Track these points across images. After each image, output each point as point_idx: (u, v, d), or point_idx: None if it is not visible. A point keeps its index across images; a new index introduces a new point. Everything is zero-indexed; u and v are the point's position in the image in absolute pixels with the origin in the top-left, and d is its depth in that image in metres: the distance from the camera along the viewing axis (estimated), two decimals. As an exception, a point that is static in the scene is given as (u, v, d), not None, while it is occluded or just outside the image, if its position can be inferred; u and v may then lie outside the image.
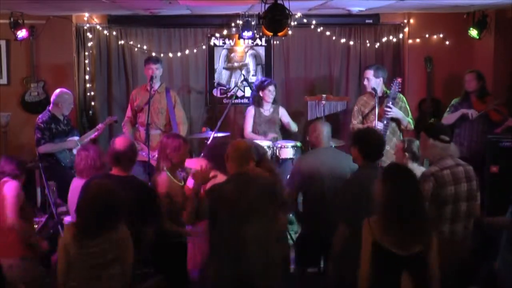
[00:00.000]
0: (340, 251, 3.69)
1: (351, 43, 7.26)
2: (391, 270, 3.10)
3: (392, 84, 5.47)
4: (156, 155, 5.65)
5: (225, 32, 7.23)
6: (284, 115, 6.51)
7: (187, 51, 7.22)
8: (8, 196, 4.05)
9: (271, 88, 6.35)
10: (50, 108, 5.74)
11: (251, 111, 6.51)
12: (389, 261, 3.09)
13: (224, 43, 7.32)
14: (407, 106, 5.67)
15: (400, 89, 5.51)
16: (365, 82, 5.69)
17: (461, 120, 5.96)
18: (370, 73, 5.63)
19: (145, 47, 7.19)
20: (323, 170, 4.36)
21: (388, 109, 5.40)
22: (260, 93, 6.38)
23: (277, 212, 3.63)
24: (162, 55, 7.00)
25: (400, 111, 5.53)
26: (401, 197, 3.10)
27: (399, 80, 5.51)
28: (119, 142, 3.93)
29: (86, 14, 6.96)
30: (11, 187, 4.10)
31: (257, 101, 6.42)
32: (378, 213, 3.15)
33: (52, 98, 5.76)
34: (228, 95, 7.22)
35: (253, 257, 3.45)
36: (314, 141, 4.60)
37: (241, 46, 7.33)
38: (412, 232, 3.08)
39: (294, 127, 6.53)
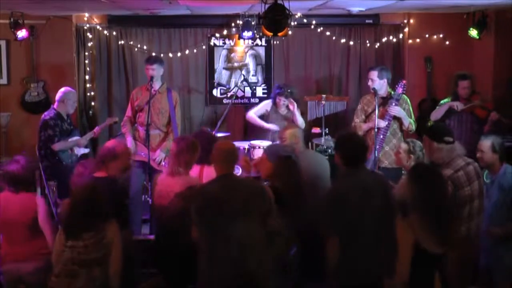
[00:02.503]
0: (336, 264, 3.66)
1: (351, 43, 7.26)
2: (428, 269, 3.12)
3: (397, 86, 5.48)
4: (157, 157, 5.71)
5: (225, 32, 7.24)
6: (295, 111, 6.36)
7: (187, 51, 7.22)
8: (41, 212, 4.06)
9: (282, 99, 6.23)
10: (55, 106, 5.74)
11: (269, 104, 6.41)
12: (427, 260, 3.11)
13: (224, 43, 7.32)
14: (411, 108, 5.68)
15: (405, 91, 5.52)
16: (369, 83, 5.67)
17: (449, 115, 5.99)
18: (374, 74, 5.62)
19: (145, 47, 7.19)
20: (318, 175, 4.44)
21: (392, 108, 5.43)
22: (277, 96, 6.29)
23: (266, 216, 3.57)
24: (162, 55, 7.00)
25: (403, 111, 5.55)
26: (437, 196, 3.13)
27: (404, 82, 5.52)
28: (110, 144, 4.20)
29: (86, 14, 6.96)
30: (42, 203, 4.10)
31: (275, 103, 6.36)
32: (413, 213, 3.14)
33: (58, 95, 5.76)
34: (228, 95, 7.22)
35: (239, 258, 3.42)
36: (295, 147, 4.58)
37: (241, 46, 7.33)
38: (447, 230, 3.11)
39: (301, 122, 6.28)
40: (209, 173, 4.27)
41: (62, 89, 5.79)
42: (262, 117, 6.43)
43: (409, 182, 3.21)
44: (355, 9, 6.56)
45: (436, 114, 6.02)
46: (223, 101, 7.30)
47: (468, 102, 5.96)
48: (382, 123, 5.45)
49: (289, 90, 6.26)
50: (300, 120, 6.28)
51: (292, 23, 6.42)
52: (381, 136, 5.46)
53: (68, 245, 3.40)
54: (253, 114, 6.43)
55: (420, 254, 3.09)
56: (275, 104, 6.36)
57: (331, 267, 3.63)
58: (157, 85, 6.00)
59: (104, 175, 4.03)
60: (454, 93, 6.05)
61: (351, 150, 3.68)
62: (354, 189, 3.53)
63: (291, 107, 6.23)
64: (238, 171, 5.30)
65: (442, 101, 6.17)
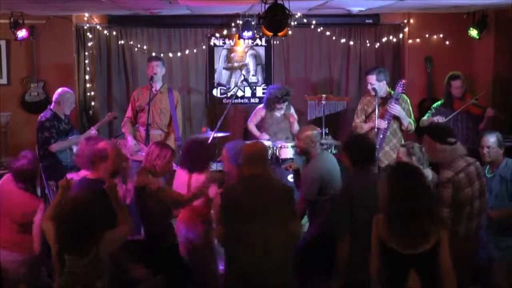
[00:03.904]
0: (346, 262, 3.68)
1: (351, 43, 7.26)
2: (397, 268, 3.09)
3: (396, 85, 5.48)
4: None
5: (225, 32, 7.24)
6: (292, 114, 6.35)
7: (187, 51, 7.22)
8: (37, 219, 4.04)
9: (285, 106, 6.25)
10: (52, 107, 5.71)
11: (262, 110, 6.39)
12: (395, 259, 3.08)
13: (224, 43, 7.32)
14: (410, 108, 5.69)
15: (404, 90, 5.52)
16: (369, 87, 5.68)
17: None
18: (372, 79, 5.62)
19: (145, 47, 7.19)
20: (335, 175, 4.52)
21: (392, 107, 5.44)
22: (276, 103, 6.24)
23: (289, 219, 3.59)
24: (162, 55, 7.00)
25: (403, 111, 5.55)
26: (403, 196, 3.04)
27: (404, 81, 5.53)
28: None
29: (86, 14, 6.96)
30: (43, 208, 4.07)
31: (271, 106, 6.29)
32: (382, 212, 3.13)
33: (54, 96, 5.74)
34: (228, 95, 7.22)
35: (258, 260, 3.45)
36: (312, 150, 4.60)
37: (241, 46, 7.33)
38: (417, 231, 3.04)
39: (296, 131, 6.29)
40: (197, 180, 4.28)
41: (59, 90, 5.76)
42: (259, 124, 6.44)
43: (383, 181, 3.16)
44: (355, 9, 6.56)
45: (423, 123, 5.99)
46: (223, 101, 7.30)
47: (462, 101, 5.97)
48: (383, 124, 5.45)
49: (286, 94, 6.22)
50: (295, 130, 6.26)
51: (292, 23, 6.42)
52: (381, 136, 5.47)
53: (65, 271, 3.19)
54: (252, 126, 6.43)
55: (388, 252, 3.08)
56: (270, 109, 6.32)
57: (341, 264, 3.65)
58: (158, 85, 6.02)
59: (92, 177, 3.89)
60: (447, 93, 6.06)
61: (360, 152, 3.78)
62: (360, 189, 3.57)
63: (292, 120, 6.28)
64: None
65: (434, 105, 6.18)
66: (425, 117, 6.13)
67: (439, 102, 6.15)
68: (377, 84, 5.60)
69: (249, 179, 3.63)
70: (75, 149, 5.73)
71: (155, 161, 4.08)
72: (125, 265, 3.78)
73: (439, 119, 5.89)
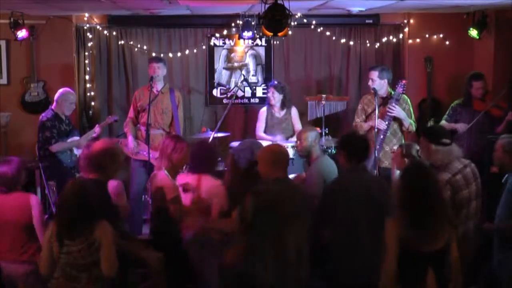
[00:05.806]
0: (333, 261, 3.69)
1: (351, 43, 7.26)
2: (417, 267, 3.11)
3: (397, 86, 5.48)
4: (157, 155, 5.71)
5: (225, 32, 7.23)
6: (294, 116, 6.39)
7: (187, 51, 7.22)
8: (36, 214, 4.00)
9: (270, 90, 6.32)
10: (53, 107, 5.72)
11: (264, 112, 6.46)
12: (415, 258, 3.10)
13: (224, 43, 7.32)
14: (411, 109, 5.69)
15: (404, 91, 5.51)
16: (370, 83, 5.68)
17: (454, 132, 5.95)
18: (375, 75, 5.62)
19: (145, 47, 7.19)
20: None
21: (392, 108, 5.43)
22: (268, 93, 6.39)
23: (308, 224, 3.59)
24: (162, 55, 7.00)
25: (403, 112, 5.54)
26: (422, 194, 3.10)
27: (404, 81, 5.51)
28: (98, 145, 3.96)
29: (86, 14, 6.96)
30: (36, 203, 4.04)
31: (269, 102, 6.40)
32: (400, 211, 3.15)
33: (56, 96, 5.75)
34: (228, 95, 7.22)
35: (293, 262, 3.43)
36: (312, 150, 4.70)
37: (241, 46, 7.33)
38: (434, 228, 3.09)
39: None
40: (207, 182, 4.26)
41: (60, 90, 5.78)
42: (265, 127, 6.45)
43: (398, 180, 3.23)
44: (355, 9, 6.57)
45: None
46: (223, 101, 7.30)
47: (482, 101, 5.94)
48: (382, 125, 5.45)
49: (281, 85, 6.33)
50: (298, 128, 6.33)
51: (292, 23, 6.42)
52: (381, 137, 5.46)
53: (64, 251, 3.34)
54: (261, 133, 6.41)
55: (408, 253, 3.10)
56: (269, 105, 6.36)
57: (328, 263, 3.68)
58: (159, 85, 6.03)
59: (94, 177, 3.84)
60: (467, 93, 6.02)
61: (353, 148, 3.81)
62: (354, 185, 3.59)
63: (293, 116, 6.35)
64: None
65: (454, 103, 6.14)
66: (443, 121, 6.06)
67: (457, 101, 6.10)
68: (378, 81, 5.60)
69: (282, 181, 3.61)
70: (75, 150, 5.74)
71: (172, 155, 4.10)
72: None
73: (462, 126, 5.84)
